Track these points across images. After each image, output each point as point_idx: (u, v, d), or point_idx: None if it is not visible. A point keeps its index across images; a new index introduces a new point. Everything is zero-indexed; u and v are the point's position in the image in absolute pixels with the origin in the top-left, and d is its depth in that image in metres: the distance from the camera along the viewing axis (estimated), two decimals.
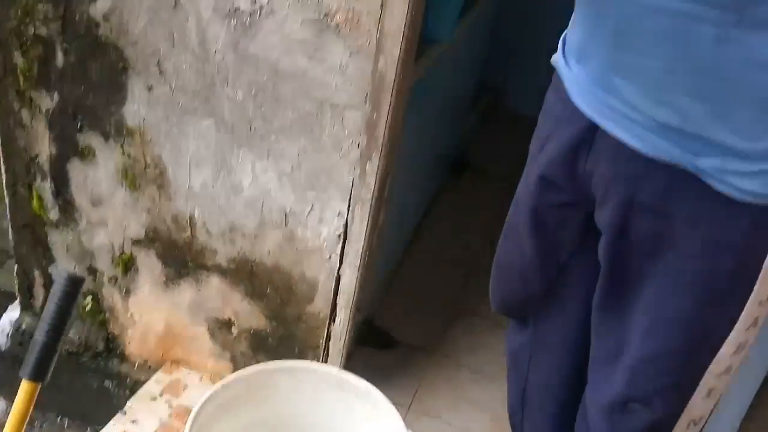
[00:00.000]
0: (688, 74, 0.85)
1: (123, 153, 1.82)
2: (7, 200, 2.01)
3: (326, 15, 1.48)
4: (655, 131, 0.91)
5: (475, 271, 2.50)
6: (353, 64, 1.52)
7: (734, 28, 0.79)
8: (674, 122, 0.89)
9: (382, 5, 1.44)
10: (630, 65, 0.91)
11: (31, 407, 0.78)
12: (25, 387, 0.79)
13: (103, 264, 2.02)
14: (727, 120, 0.86)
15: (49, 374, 0.80)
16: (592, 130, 1.01)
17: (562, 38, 1.13)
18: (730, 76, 0.83)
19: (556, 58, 1.11)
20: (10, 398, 0.79)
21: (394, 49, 1.47)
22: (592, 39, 0.97)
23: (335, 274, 1.78)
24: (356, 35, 1.49)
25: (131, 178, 1.85)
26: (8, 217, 2.04)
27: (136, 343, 2.11)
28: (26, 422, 0.79)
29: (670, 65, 0.86)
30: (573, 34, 1.07)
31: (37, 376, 0.79)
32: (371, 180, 1.63)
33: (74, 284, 0.79)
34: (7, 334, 2.19)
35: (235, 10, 1.54)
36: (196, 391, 2.00)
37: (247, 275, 1.87)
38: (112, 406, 2.06)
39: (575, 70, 1.04)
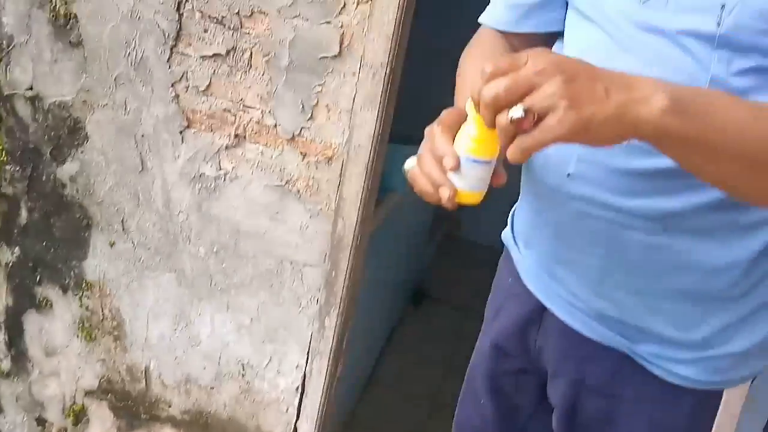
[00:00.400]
0: (622, 273, 0.93)
1: (81, 305, 1.83)
2: None
3: (288, 182, 1.57)
4: (596, 319, 0.98)
5: (437, 407, 2.50)
6: (313, 225, 1.60)
7: (661, 235, 0.88)
8: (612, 313, 0.97)
9: (341, 174, 1.54)
10: (570, 259, 0.99)
11: None
12: None
13: (54, 415, 1.97)
14: (660, 312, 0.93)
15: None
16: (540, 310, 1.07)
17: (511, 215, 1.21)
18: (661, 275, 0.91)
19: (507, 236, 1.18)
20: None
21: (352, 213, 1.56)
22: (537, 230, 1.06)
23: (292, 427, 1.78)
24: (316, 200, 1.57)
25: (87, 329, 1.85)
26: None
27: None
28: None
29: (605, 263, 0.94)
30: (520, 216, 1.14)
31: None
32: (330, 334, 1.67)
33: None
34: None
35: (201, 175, 1.62)
36: None
37: (201, 428, 1.85)
38: None
39: (523, 252, 1.11)
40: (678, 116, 0.64)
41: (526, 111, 0.63)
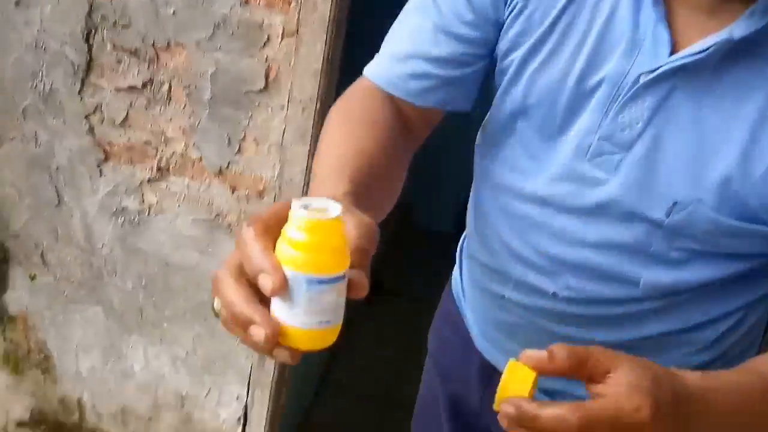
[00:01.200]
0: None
1: (5, 339, 1.73)
2: None
3: (217, 215, 1.50)
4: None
5: (389, 406, 2.49)
6: None
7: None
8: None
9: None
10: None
11: None
12: None
13: None
14: None
15: None
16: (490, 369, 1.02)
17: (458, 256, 1.13)
18: None
19: (456, 287, 1.10)
20: None
21: None
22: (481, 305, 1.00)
23: None
24: None
25: (14, 362, 1.76)
26: None
27: None
28: None
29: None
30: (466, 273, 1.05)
31: None
32: (270, 365, 1.63)
33: None
34: None
35: (123, 209, 1.52)
36: None
37: None
38: None
39: (469, 316, 1.05)
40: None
41: None
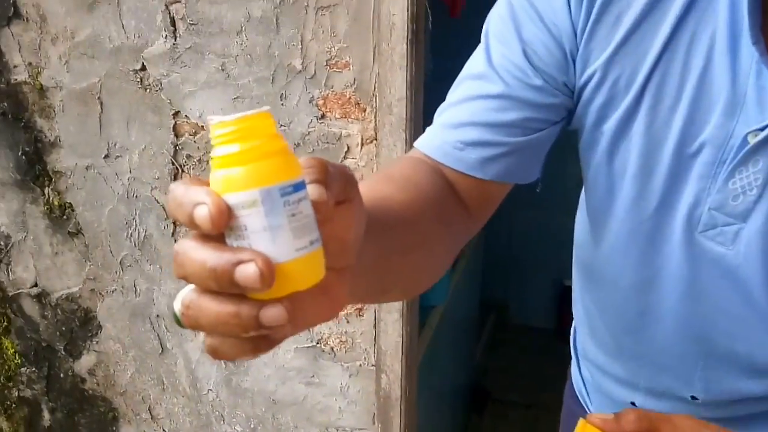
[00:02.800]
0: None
1: None
2: None
3: (319, 341, 1.42)
4: None
5: None
6: (354, 385, 1.43)
7: None
8: None
9: (375, 326, 1.38)
10: None
11: None
12: None
13: None
14: None
15: None
16: None
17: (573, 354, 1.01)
18: None
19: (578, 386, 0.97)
20: None
21: (394, 365, 1.39)
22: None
23: None
24: (353, 356, 1.41)
25: None
26: None
27: None
28: None
29: None
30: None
31: None
32: None
33: None
34: None
35: None
36: None
37: None
38: None
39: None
40: None
41: None
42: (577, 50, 0.61)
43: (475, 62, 0.65)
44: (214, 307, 0.35)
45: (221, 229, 0.34)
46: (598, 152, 0.64)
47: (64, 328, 1.54)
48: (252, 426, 1.51)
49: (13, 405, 1.63)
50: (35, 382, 1.60)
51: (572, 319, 0.91)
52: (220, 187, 0.34)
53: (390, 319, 1.38)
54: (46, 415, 1.62)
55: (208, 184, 0.35)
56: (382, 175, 0.64)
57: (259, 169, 0.34)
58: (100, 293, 1.50)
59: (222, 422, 1.53)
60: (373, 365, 1.41)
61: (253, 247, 0.34)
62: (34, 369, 1.59)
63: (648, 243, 0.64)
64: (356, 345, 1.41)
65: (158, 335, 1.50)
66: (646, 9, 0.57)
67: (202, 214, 0.33)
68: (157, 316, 1.49)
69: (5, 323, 1.56)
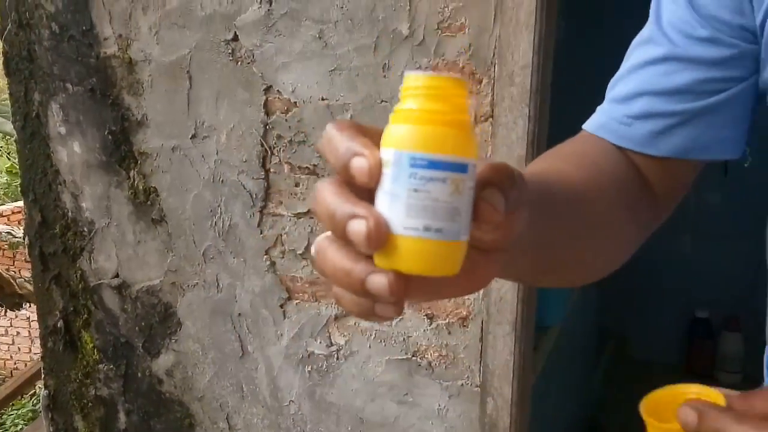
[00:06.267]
0: None
1: None
2: None
3: (415, 353, 1.24)
4: None
5: None
6: (454, 407, 1.23)
7: None
8: None
9: (481, 339, 1.18)
10: None
11: None
12: None
13: None
14: None
15: None
16: None
17: None
18: None
19: None
20: None
21: (504, 387, 1.18)
22: None
23: None
24: (454, 374, 1.22)
25: None
26: None
27: None
28: None
29: None
30: None
31: None
32: None
33: None
34: None
35: (310, 355, 1.32)
36: None
37: None
38: None
39: None
40: None
41: None
42: None
43: (647, 25, 0.57)
44: (335, 259, 0.34)
45: (374, 183, 0.33)
46: None
47: (143, 324, 1.43)
48: None
49: (90, 404, 1.54)
50: (112, 381, 1.50)
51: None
52: (383, 139, 0.33)
53: (500, 333, 1.17)
54: (122, 416, 1.52)
55: (363, 132, 0.34)
56: (551, 152, 0.57)
57: (404, 131, 0.32)
58: (181, 287, 1.38)
59: None
60: (477, 386, 1.21)
61: (377, 207, 0.33)
62: (111, 366, 1.49)
63: None
64: (458, 361, 1.22)
65: (239, 336, 1.37)
66: None
67: (360, 165, 0.33)
68: (239, 314, 1.35)
69: (86, 315, 1.48)
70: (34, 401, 4.67)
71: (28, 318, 5.31)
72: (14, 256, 5.25)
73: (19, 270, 4.65)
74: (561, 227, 0.48)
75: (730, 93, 0.53)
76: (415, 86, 0.33)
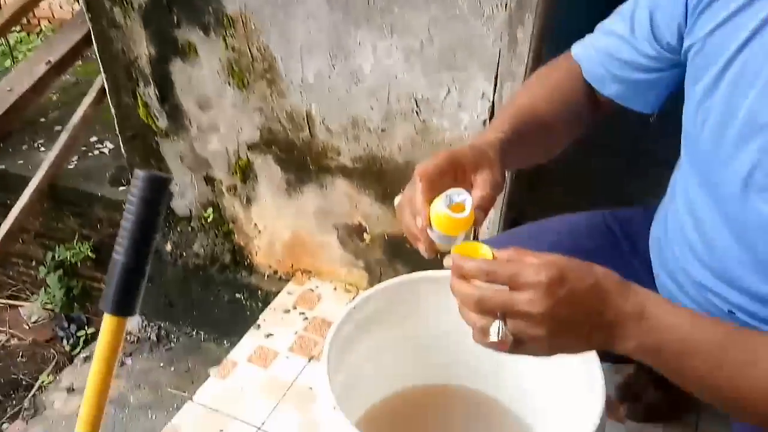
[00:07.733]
0: None
1: (226, 47, 1.60)
2: (113, 110, 1.87)
3: None
4: None
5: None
6: None
7: None
8: None
9: None
10: None
11: (120, 344, 0.58)
12: (108, 322, 0.57)
13: (220, 172, 1.86)
14: None
15: (137, 305, 0.57)
16: None
17: None
18: None
19: None
20: None
21: None
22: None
23: None
24: None
25: (238, 74, 1.63)
26: (116, 128, 1.90)
27: (263, 254, 1.98)
28: (116, 360, 0.59)
29: None
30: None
31: (121, 311, 0.57)
32: (524, 49, 1.32)
33: (155, 187, 0.54)
34: None
35: None
36: (331, 303, 1.86)
37: (375, 176, 1.65)
38: (246, 318, 1.97)
39: None
40: (649, 356, 0.67)
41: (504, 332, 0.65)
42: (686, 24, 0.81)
43: (627, 5, 0.90)
44: (405, 214, 0.78)
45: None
46: (691, 104, 0.81)
47: None
48: None
49: None
50: None
51: None
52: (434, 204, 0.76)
53: None
54: None
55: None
56: (543, 82, 0.96)
57: (436, 220, 0.75)
58: None
59: None
60: None
61: (429, 230, 0.76)
62: None
63: (705, 189, 0.83)
64: None
65: None
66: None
67: (418, 224, 0.76)
68: None
69: None
70: None
71: None
72: None
73: None
74: (530, 144, 0.88)
75: (653, 76, 0.89)
76: (443, 216, 0.74)
